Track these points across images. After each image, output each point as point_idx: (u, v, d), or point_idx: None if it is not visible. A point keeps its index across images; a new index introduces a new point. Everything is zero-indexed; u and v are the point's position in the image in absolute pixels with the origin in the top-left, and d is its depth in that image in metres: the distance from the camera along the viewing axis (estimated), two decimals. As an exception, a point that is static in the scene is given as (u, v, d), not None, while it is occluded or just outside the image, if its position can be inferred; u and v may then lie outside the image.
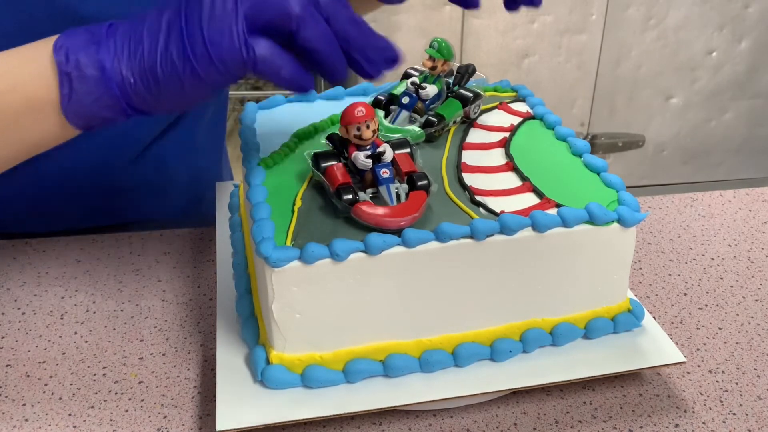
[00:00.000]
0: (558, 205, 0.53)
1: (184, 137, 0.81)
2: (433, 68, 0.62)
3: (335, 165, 0.53)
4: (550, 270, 0.53)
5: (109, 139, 0.73)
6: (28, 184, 0.74)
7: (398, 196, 0.51)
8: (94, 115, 0.46)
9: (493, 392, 0.53)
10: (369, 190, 0.53)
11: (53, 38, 0.46)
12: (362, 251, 0.49)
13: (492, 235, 0.50)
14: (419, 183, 0.52)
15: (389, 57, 0.46)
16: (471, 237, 0.50)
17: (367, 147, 0.52)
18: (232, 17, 0.43)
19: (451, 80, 0.65)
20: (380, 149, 0.52)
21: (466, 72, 0.65)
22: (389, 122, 0.61)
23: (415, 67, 0.64)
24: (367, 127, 0.52)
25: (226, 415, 0.49)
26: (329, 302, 0.50)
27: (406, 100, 0.61)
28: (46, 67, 0.45)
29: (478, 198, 0.54)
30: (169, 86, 0.45)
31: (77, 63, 0.44)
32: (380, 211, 0.50)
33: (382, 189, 0.51)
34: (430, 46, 0.62)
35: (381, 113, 0.62)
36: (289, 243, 0.49)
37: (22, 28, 0.61)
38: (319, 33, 0.44)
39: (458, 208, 0.53)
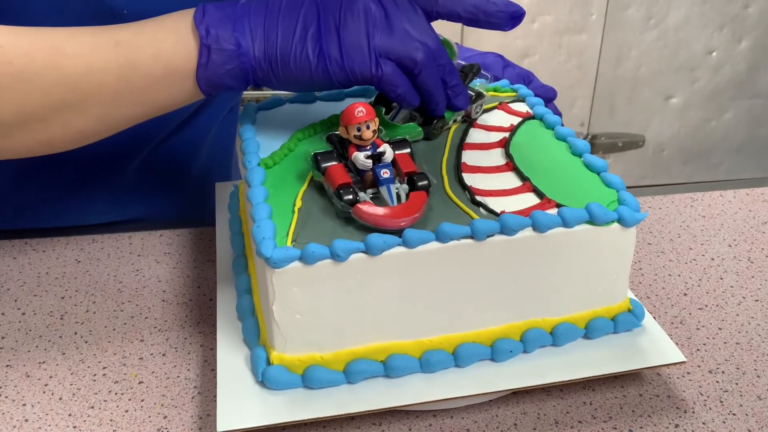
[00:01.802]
0: (558, 205, 0.53)
1: (196, 136, 0.81)
2: None
3: (335, 165, 0.53)
4: (550, 270, 0.53)
5: (122, 134, 0.73)
6: (39, 176, 0.74)
7: (398, 196, 0.51)
8: (223, 83, 0.53)
9: (493, 392, 0.53)
10: (369, 191, 0.53)
11: (189, 12, 0.53)
12: (363, 252, 0.49)
13: (492, 235, 0.50)
14: (419, 183, 0.52)
15: (467, 100, 0.60)
16: (471, 237, 0.50)
17: (368, 147, 0.52)
18: (365, 38, 0.52)
19: None
20: (380, 149, 0.52)
21: (470, 71, 0.65)
22: (389, 119, 0.61)
23: None
24: (367, 128, 0.52)
25: (227, 415, 0.49)
26: (330, 303, 0.50)
27: None
28: (187, 38, 0.51)
29: (479, 198, 0.54)
30: (296, 75, 0.52)
31: (217, 37, 0.51)
32: (380, 211, 0.50)
33: (383, 189, 0.51)
34: None
35: (382, 109, 0.62)
36: (289, 243, 0.49)
37: (62, 19, 0.62)
38: (433, 81, 0.55)
39: (458, 209, 0.53)
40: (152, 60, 0.51)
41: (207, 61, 0.51)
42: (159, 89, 0.52)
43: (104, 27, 0.52)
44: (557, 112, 0.73)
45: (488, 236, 0.50)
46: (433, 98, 0.56)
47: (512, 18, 0.56)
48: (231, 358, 0.54)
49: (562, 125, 0.64)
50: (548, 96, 0.72)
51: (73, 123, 0.52)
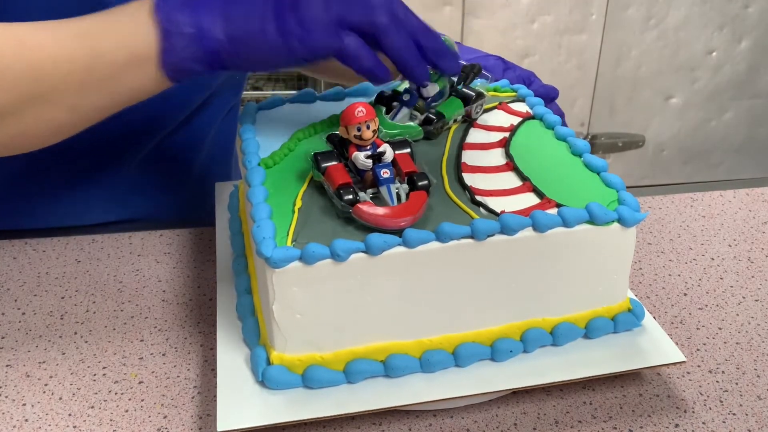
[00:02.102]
0: (558, 205, 0.53)
1: (196, 136, 0.81)
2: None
3: (335, 165, 0.53)
4: (550, 270, 0.53)
5: (122, 132, 0.73)
6: (39, 176, 0.74)
7: (398, 196, 0.51)
8: (187, 68, 0.52)
9: (493, 392, 0.53)
10: (369, 191, 0.53)
11: (146, 1, 0.52)
12: (363, 251, 0.49)
13: (492, 235, 0.50)
14: (420, 183, 0.52)
15: (455, 63, 0.57)
16: (471, 237, 0.50)
17: (368, 147, 0.52)
18: (322, 10, 0.50)
19: (455, 79, 0.65)
20: (380, 149, 0.52)
21: (471, 71, 0.65)
22: (389, 119, 0.61)
23: None
24: (368, 128, 0.52)
25: (227, 415, 0.49)
26: (330, 302, 0.50)
27: (406, 97, 0.61)
28: (148, 24, 0.50)
29: (479, 198, 0.54)
30: (259, 53, 0.51)
31: (177, 21, 0.50)
32: (381, 211, 0.50)
33: (383, 189, 0.51)
34: None
35: (382, 109, 0.62)
36: (289, 243, 0.49)
37: (53, 14, 0.62)
38: (401, 43, 0.52)
39: (458, 208, 0.53)
40: (115, 47, 0.51)
41: (169, 46, 0.50)
42: (124, 77, 0.52)
43: (67, 19, 0.52)
44: (559, 112, 0.73)
45: (488, 236, 0.50)
46: (406, 64, 0.54)
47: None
48: (231, 358, 0.54)
49: (565, 125, 0.64)
50: (550, 95, 0.72)
51: (44, 115, 0.52)
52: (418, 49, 0.54)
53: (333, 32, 0.51)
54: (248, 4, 0.51)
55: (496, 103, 0.68)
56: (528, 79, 0.72)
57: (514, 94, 0.71)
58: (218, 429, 0.48)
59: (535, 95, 0.69)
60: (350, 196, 0.51)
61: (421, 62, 0.55)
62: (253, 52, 0.51)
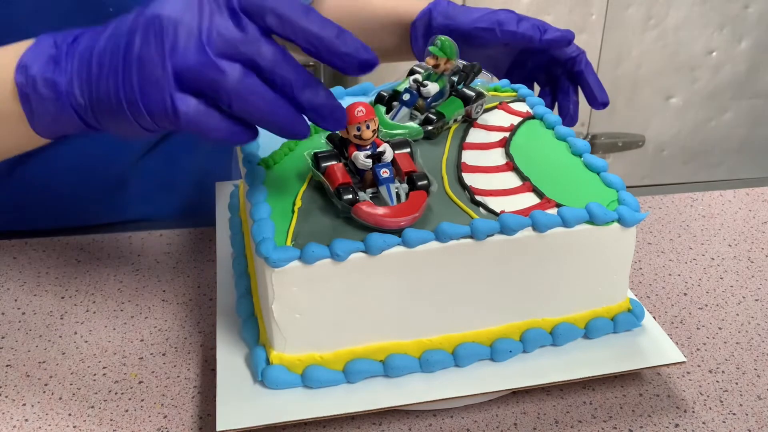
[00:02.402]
0: (558, 205, 0.53)
1: (195, 136, 0.81)
2: (436, 66, 0.62)
3: (335, 165, 0.53)
4: (550, 270, 0.53)
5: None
6: (36, 177, 0.74)
7: (398, 195, 0.51)
8: (58, 129, 0.47)
9: (492, 392, 0.53)
10: (369, 190, 0.53)
11: (22, 47, 0.46)
12: (362, 251, 0.49)
13: (492, 235, 0.50)
14: (419, 183, 0.52)
15: (341, 117, 0.46)
16: (471, 237, 0.50)
17: (367, 147, 0.52)
18: (160, 69, 0.42)
19: (456, 79, 0.65)
20: (380, 149, 0.52)
21: (471, 71, 0.65)
22: (389, 118, 0.61)
23: (421, 64, 0.64)
24: (367, 127, 0.52)
25: (226, 415, 0.49)
26: (329, 302, 0.50)
27: (406, 97, 0.61)
28: (10, 82, 0.45)
29: (478, 198, 0.54)
30: (110, 119, 0.45)
31: (35, 84, 0.45)
32: (380, 211, 0.50)
33: (382, 189, 0.51)
34: (434, 45, 0.62)
35: (382, 109, 0.62)
36: (289, 243, 0.49)
37: (49, 15, 0.63)
38: (257, 104, 0.43)
39: (458, 208, 0.53)
40: None
41: (31, 110, 0.45)
42: None
43: None
44: (580, 50, 0.71)
45: (488, 236, 0.50)
46: (271, 128, 0.44)
47: (361, 67, 0.43)
48: (231, 358, 0.54)
49: (591, 73, 0.65)
50: (567, 38, 0.69)
51: None
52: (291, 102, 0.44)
53: (168, 97, 0.42)
54: (103, 58, 0.44)
55: (497, 103, 0.68)
56: (542, 26, 0.70)
57: (514, 93, 0.71)
58: (218, 429, 0.48)
59: (552, 39, 0.68)
60: (350, 196, 0.51)
61: (291, 124, 0.45)
62: (108, 117, 0.45)
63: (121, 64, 0.43)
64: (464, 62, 0.65)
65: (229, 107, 0.42)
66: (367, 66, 0.43)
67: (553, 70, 0.74)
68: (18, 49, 0.46)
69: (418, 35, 0.77)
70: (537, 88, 0.78)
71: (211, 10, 0.42)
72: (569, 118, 0.74)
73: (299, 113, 0.44)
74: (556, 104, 0.76)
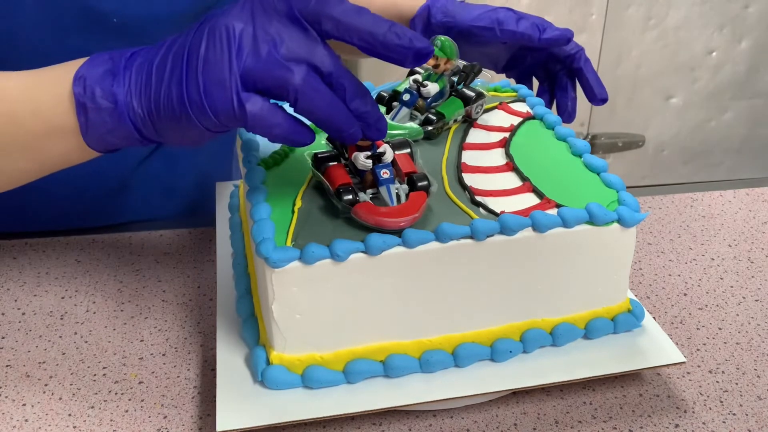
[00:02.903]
0: (558, 205, 0.53)
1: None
2: (436, 66, 0.62)
3: (335, 165, 0.53)
4: (550, 270, 0.53)
5: None
6: (37, 180, 0.74)
7: (398, 196, 0.51)
8: (111, 142, 0.48)
9: (493, 392, 0.53)
10: (369, 191, 0.53)
11: (77, 63, 0.48)
12: (362, 252, 0.49)
13: (492, 235, 0.50)
14: (419, 183, 0.52)
15: (383, 128, 0.48)
16: (471, 237, 0.50)
17: (368, 147, 0.52)
18: (226, 71, 0.44)
19: (456, 79, 0.65)
20: (380, 150, 0.52)
21: (471, 71, 0.65)
22: (389, 119, 0.61)
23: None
24: (368, 128, 0.52)
25: (226, 415, 0.49)
26: (329, 303, 0.50)
27: (406, 97, 0.62)
28: (66, 95, 0.47)
29: (478, 198, 0.54)
30: (171, 125, 0.46)
31: (93, 95, 0.46)
32: (380, 211, 0.50)
33: (382, 189, 0.51)
34: (434, 45, 0.62)
35: (382, 109, 0.62)
36: (289, 243, 0.49)
37: (52, 27, 0.63)
38: (319, 104, 0.45)
39: (458, 209, 0.53)
40: (32, 117, 0.48)
41: (86, 121, 0.46)
42: (46, 147, 0.49)
43: None
44: (578, 47, 0.72)
45: (488, 236, 0.50)
46: (329, 127, 0.46)
47: (417, 57, 0.45)
48: (231, 358, 0.54)
49: (588, 70, 0.65)
50: (566, 36, 0.70)
51: None
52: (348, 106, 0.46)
53: (235, 96, 0.44)
54: (161, 70, 0.46)
55: (497, 103, 0.68)
56: (542, 25, 0.71)
57: (514, 94, 0.71)
58: (218, 429, 0.48)
59: (551, 38, 0.68)
60: (350, 197, 0.51)
61: (349, 126, 0.47)
62: (167, 125, 0.46)
63: (185, 69, 0.44)
64: (464, 62, 0.65)
65: (294, 104, 0.44)
66: (423, 55, 0.45)
67: (551, 67, 0.74)
68: (72, 66, 0.48)
69: (416, 32, 0.77)
70: (535, 84, 0.78)
71: (272, 17, 0.45)
72: (567, 114, 0.75)
73: (354, 117, 0.46)
74: (554, 101, 0.76)
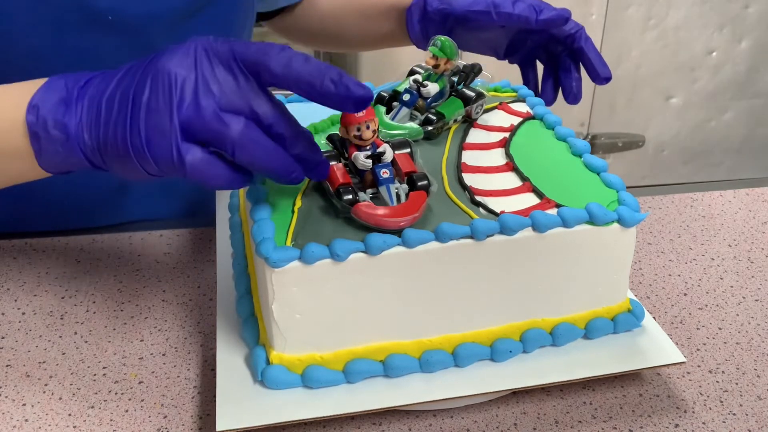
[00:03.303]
0: (558, 205, 0.53)
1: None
2: (436, 66, 0.62)
3: (335, 165, 0.53)
4: (550, 270, 0.53)
5: None
6: (37, 180, 0.74)
7: (398, 196, 0.51)
8: (65, 167, 0.48)
9: (493, 392, 0.53)
10: (369, 191, 0.53)
11: (35, 85, 0.47)
12: (362, 251, 0.49)
13: (492, 235, 0.50)
14: (419, 183, 0.52)
15: (324, 171, 0.50)
16: (471, 237, 0.50)
17: (367, 147, 0.52)
18: (167, 121, 0.44)
19: (456, 79, 0.65)
20: (380, 149, 0.52)
21: (471, 71, 0.65)
22: (389, 119, 0.61)
23: (421, 64, 0.65)
24: (367, 128, 0.52)
25: (226, 415, 0.49)
26: (329, 302, 0.50)
27: (406, 97, 0.62)
28: (21, 120, 0.47)
29: (478, 198, 0.54)
30: (117, 163, 0.46)
31: (45, 125, 0.46)
32: (380, 211, 0.50)
33: (382, 189, 0.51)
34: (433, 45, 0.62)
35: (382, 109, 0.62)
36: (289, 243, 0.49)
37: (50, 27, 0.63)
38: (258, 155, 0.45)
39: (458, 209, 0.53)
40: None
41: (39, 148, 0.47)
42: (2, 166, 0.49)
43: None
44: (578, 26, 0.72)
45: (488, 236, 0.50)
46: (268, 174, 0.47)
47: (356, 105, 0.45)
48: (231, 358, 0.54)
49: (588, 47, 0.66)
50: (564, 16, 0.70)
51: None
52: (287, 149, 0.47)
53: (174, 147, 0.44)
54: (111, 102, 0.46)
55: (497, 103, 0.68)
56: (538, 6, 0.70)
57: (514, 94, 0.71)
58: (218, 428, 0.48)
59: (548, 19, 0.68)
60: (350, 196, 0.51)
61: (289, 172, 0.47)
62: (114, 161, 0.46)
63: (130, 113, 0.45)
64: (464, 63, 0.65)
65: (232, 156, 0.45)
66: (361, 102, 0.45)
67: (553, 48, 0.74)
68: (29, 89, 0.48)
69: (413, 20, 0.77)
70: (540, 69, 0.78)
71: (215, 65, 0.45)
72: (573, 96, 0.74)
73: (294, 161, 0.47)
74: (558, 85, 0.76)
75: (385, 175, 0.52)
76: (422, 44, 0.78)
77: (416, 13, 0.77)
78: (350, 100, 0.45)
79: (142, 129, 0.44)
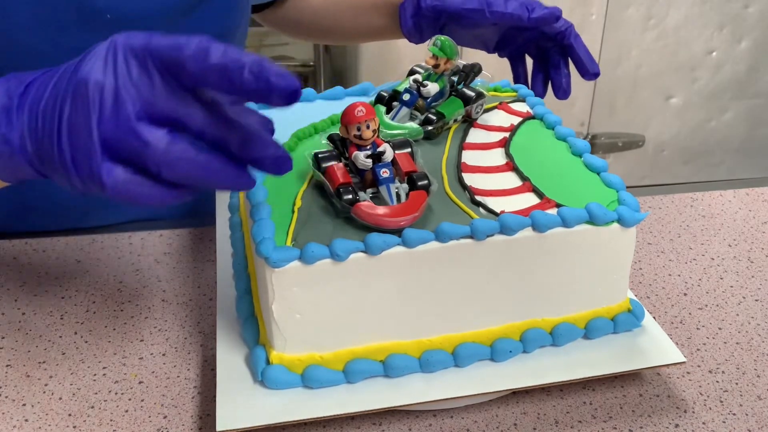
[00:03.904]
0: (558, 205, 0.53)
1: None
2: (436, 66, 0.62)
3: (335, 165, 0.53)
4: (550, 270, 0.53)
5: None
6: (36, 181, 0.74)
7: (398, 195, 0.51)
8: (23, 177, 0.45)
9: (492, 392, 0.53)
10: (369, 190, 0.53)
11: None
12: (362, 251, 0.49)
13: (492, 235, 0.50)
14: (419, 183, 0.52)
15: (283, 164, 0.42)
16: (471, 237, 0.50)
17: (368, 147, 0.52)
18: (88, 139, 0.40)
19: (456, 79, 0.65)
20: (380, 149, 0.52)
21: (471, 71, 0.65)
22: (389, 118, 0.61)
23: (421, 64, 0.65)
24: (367, 127, 0.52)
25: (226, 415, 0.49)
26: (329, 302, 0.50)
27: (407, 97, 0.62)
28: None
29: (478, 198, 0.54)
30: (59, 180, 0.43)
31: None
32: (380, 210, 0.50)
33: (382, 189, 0.51)
34: (434, 45, 0.62)
35: (382, 109, 0.62)
36: (289, 243, 0.49)
37: (49, 26, 0.63)
38: (188, 171, 0.40)
39: (458, 208, 0.53)
40: None
41: None
42: None
43: None
44: (568, 24, 0.72)
45: (488, 236, 0.50)
46: (210, 187, 0.42)
47: (281, 98, 0.39)
48: (231, 358, 0.54)
49: (577, 44, 0.68)
50: (555, 14, 0.71)
51: None
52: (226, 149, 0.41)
53: (96, 164, 0.40)
54: (45, 119, 0.42)
55: (497, 103, 0.68)
56: (530, 5, 0.71)
57: (514, 94, 0.71)
58: (218, 428, 0.48)
59: (540, 18, 0.69)
60: (350, 196, 0.51)
61: (232, 178, 0.42)
62: (57, 179, 0.43)
63: (57, 129, 0.41)
64: (464, 62, 0.65)
65: (158, 175, 0.41)
66: (287, 96, 0.39)
67: (542, 44, 0.75)
68: None
69: (407, 15, 0.78)
70: (529, 63, 0.79)
71: (131, 68, 0.41)
72: (562, 91, 0.75)
73: (240, 167, 0.42)
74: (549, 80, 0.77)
75: (385, 175, 0.52)
76: (414, 38, 0.79)
77: (410, 8, 0.77)
78: (274, 93, 0.39)
79: (66, 148, 0.41)
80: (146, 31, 0.42)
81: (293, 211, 0.52)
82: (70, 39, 0.65)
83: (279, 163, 0.42)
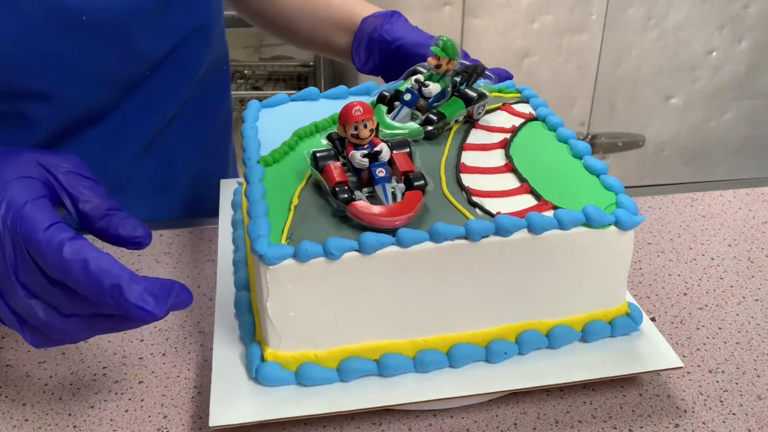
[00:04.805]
0: (555, 207, 0.53)
1: (188, 134, 0.81)
2: (438, 66, 0.62)
3: (333, 164, 0.53)
4: (546, 272, 0.53)
5: (109, 134, 0.73)
6: None
7: (394, 195, 0.51)
8: None
9: (489, 393, 0.53)
10: (365, 189, 0.52)
11: None
12: (356, 250, 0.49)
13: (487, 236, 0.50)
14: (416, 183, 0.52)
15: (143, 315, 0.44)
16: (466, 238, 0.50)
17: (365, 146, 0.52)
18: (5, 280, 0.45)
19: (458, 79, 0.65)
20: (377, 148, 0.52)
21: (474, 71, 0.65)
22: (391, 118, 0.61)
23: (423, 64, 0.65)
24: (365, 126, 0.52)
25: (219, 411, 0.49)
26: (323, 300, 0.50)
27: (408, 97, 0.61)
28: None
29: (475, 199, 0.54)
30: None
31: None
32: (375, 210, 0.50)
33: (378, 188, 0.51)
34: (436, 45, 0.62)
35: (384, 108, 0.62)
36: (284, 241, 0.49)
37: (23, 32, 0.62)
38: (61, 338, 0.47)
39: (454, 209, 0.53)
40: None
41: None
42: None
43: None
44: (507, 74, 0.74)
45: (483, 237, 0.50)
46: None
47: (135, 244, 0.50)
48: (226, 354, 0.54)
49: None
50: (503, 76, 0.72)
51: None
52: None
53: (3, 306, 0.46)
54: None
55: (500, 104, 0.68)
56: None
57: (518, 95, 0.70)
58: (210, 424, 0.48)
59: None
60: (345, 195, 0.51)
61: (94, 332, 0.48)
62: None
63: None
64: (466, 63, 0.65)
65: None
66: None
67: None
68: None
69: (361, 42, 0.81)
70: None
71: (16, 247, 0.45)
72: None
73: (103, 321, 0.46)
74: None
75: (381, 174, 0.52)
76: (358, 60, 0.82)
77: (365, 37, 0.80)
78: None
79: None
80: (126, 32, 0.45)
81: (290, 209, 0.52)
82: (48, 44, 0.63)
83: (140, 311, 0.44)
